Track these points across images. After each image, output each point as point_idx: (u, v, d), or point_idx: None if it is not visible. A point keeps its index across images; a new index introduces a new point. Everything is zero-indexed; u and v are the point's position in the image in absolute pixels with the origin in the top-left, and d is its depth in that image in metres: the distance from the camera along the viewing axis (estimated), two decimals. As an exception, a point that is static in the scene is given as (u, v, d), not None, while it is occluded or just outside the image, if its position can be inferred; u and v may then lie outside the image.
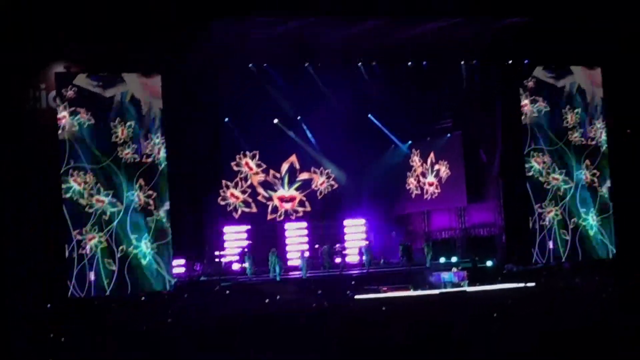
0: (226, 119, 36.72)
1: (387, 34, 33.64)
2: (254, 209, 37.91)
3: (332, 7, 31.16)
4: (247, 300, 29.21)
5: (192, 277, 34.81)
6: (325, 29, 32.93)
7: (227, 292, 31.93)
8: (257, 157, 38.16)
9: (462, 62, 36.29)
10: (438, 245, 38.51)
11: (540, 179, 35.59)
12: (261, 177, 38.19)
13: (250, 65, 34.86)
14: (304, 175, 38.83)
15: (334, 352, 14.69)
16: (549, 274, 33.36)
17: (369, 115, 38.67)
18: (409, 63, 35.83)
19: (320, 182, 38.99)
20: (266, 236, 38.07)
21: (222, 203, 37.60)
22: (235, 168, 37.88)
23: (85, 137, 31.43)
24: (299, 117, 38.10)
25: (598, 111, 36.49)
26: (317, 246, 38.12)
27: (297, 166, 38.68)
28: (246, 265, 35.73)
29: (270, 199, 38.19)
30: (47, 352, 17.28)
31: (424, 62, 35.96)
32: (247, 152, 38.07)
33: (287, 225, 38.74)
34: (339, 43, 33.93)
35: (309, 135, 38.58)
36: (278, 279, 34.48)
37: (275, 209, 38.26)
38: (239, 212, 37.68)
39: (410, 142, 40.29)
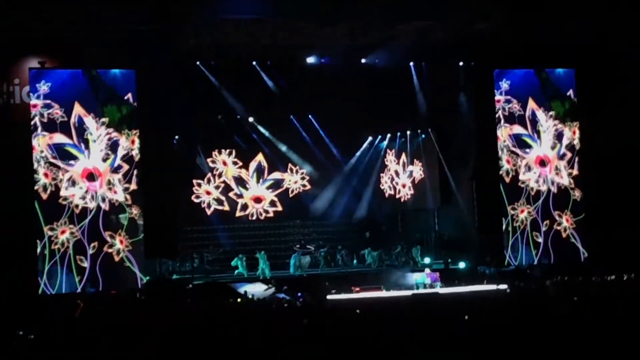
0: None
1: (362, 34, 33.74)
2: (227, 207, 37.79)
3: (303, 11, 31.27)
4: (217, 298, 29.10)
5: (164, 275, 34.78)
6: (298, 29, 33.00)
7: (197, 290, 32.01)
8: (234, 154, 38.05)
9: (441, 63, 36.39)
10: (412, 247, 38.54)
11: (514, 180, 35.70)
12: (235, 172, 38.05)
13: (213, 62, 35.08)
14: (276, 175, 38.70)
15: (305, 351, 14.64)
16: (522, 276, 33.41)
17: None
18: (386, 60, 35.92)
19: (294, 180, 38.87)
20: (239, 236, 38.16)
21: (196, 200, 37.51)
22: (211, 164, 37.78)
23: (58, 133, 31.34)
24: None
25: (572, 113, 36.63)
26: (297, 246, 38.07)
27: (265, 164, 38.49)
28: (238, 265, 35.68)
29: (241, 196, 38.07)
30: (16, 349, 17.13)
31: (400, 63, 36.08)
32: (224, 150, 37.96)
33: (260, 224, 38.67)
34: (314, 43, 34.04)
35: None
36: (268, 277, 34.61)
37: (245, 207, 38.10)
38: (212, 209, 37.56)
39: (385, 142, 40.27)
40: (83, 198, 31.54)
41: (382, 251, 37.86)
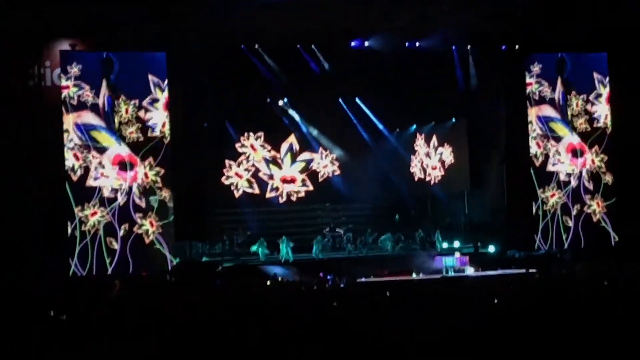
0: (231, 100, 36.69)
1: (388, 16, 33.61)
2: (257, 191, 37.82)
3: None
4: (248, 280, 29.17)
5: (194, 257, 34.92)
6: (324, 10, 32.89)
7: (226, 272, 32.17)
8: (262, 138, 38.09)
9: (469, 47, 36.32)
10: (441, 230, 38.46)
11: (544, 164, 35.56)
12: (265, 154, 38.05)
13: (256, 46, 34.96)
14: (305, 155, 38.70)
15: (334, 334, 14.64)
16: (552, 261, 33.33)
17: (357, 99, 38.57)
18: (417, 44, 35.78)
19: (323, 164, 38.85)
20: (268, 219, 38.19)
21: (226, 183, 37.55)
22: (239, 149, 37.82)
23: (88, 116, 31.45)
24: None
25: (605, 96, 36.42)
26: (327, 230, 38.16)
27: (297, 147, 38.53)
28: (258, 249, 35.67)
29: (271, 177, 38.09)
30: (48, 329, 17.25)
31: (431, 47, 35.94)
32: (252, 133, 38.00)
33: (290, 207, 38.67)
34: (342, 24, 33.93)
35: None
36: (291, 260, 34.65)
37: (275, 188, 38.17)
38: (240, 191, 37.57)
39: (415, 125, 40.21)
40: (115, 189, 31.60)
41: (401, 235, 37.81)
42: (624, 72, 35.86)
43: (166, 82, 32.26)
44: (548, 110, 35.72)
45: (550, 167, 35.55)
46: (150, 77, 32.12)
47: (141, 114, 32.03)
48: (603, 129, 36.35)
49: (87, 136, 31.36)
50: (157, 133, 32.02)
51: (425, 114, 39.14)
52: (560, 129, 35.79)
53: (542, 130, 35.51)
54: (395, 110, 38.53)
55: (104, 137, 31.62)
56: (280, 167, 38.18)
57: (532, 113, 35.51)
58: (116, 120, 31.69)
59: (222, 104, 35.76)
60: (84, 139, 31.31)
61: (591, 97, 36.34)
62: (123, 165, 31.68)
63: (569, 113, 35.92)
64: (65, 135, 31.20)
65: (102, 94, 31.59)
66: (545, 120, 35.62)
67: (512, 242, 35.82)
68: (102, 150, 31.53)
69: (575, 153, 35.87)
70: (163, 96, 32.14)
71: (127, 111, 31.78)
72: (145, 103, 32.06)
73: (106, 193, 31.43)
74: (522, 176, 35.59)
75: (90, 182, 31.31)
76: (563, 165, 35.69)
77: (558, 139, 35.68)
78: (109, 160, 31.55)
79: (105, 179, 31.46)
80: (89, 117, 31.47)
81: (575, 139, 35.95)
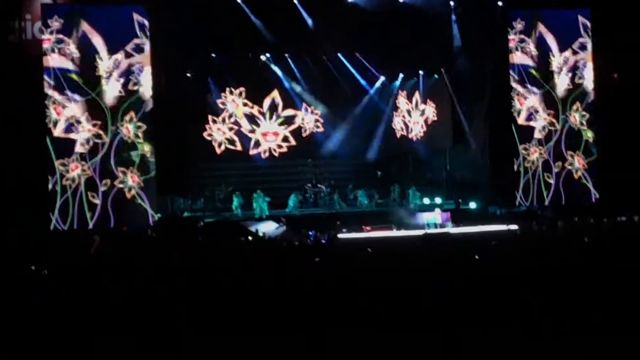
0: (213, 55, 36.42)
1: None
2: (239, 147, 37.68)
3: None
4: (227, 236, 29.17)
5: (175, 212, 34.92)
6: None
7: (208, 228, 32.17)
8: (244, 94, 37.91)
9: (452, 2, 36.22)
10: (422, 186, 38.53)
11: (526, 121, 35.54)
12: (247, 110, 37.86)
13: (239, 0, 34.78)
14: (288, 111, 38.52)
15: (316, 290, 14.65)
16: (533, 217, 33.43)
17: (339, 55, 38.35)
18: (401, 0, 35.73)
19: (307, 120, 38.71)
20: (250, 174, 38.15)
21: (208, 138, 37.41)
22: (221, 106, 37.63)
23: (70, 69, 31.17)
24: (286, 55, 37.86)
25: (586, 54, 36.36)
26: (309, 185, 38.21)
27: (279, 101, 38.33)
28: (234, 203, 35.75)
29: (253, 131, 37.94)
30: (29, 283, 17.22)
31: (413, 1, 35.80)
32: (234, 89, 37.82)
33: (272, 163, 38.57)
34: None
35: (296, 72, 38.29)
36: (266, 215, 34.68)
37: (257, 143, 38.00)
38: (223, 147, 37.42)
39: (397, 82, 40.10)
40: (95, 142, 31.38)
41: (375, 191, 37.93)
42: (607, 28, 35.76)
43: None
44: (525, 59, 35.54)
45: (529, 122, 35.48)
46: (135, 16, 31.73)
47: (123, 60, 31.67)
48: (584, 87, 36.29)
49: (70, 90, 31.02)
50: (138, 86, 31.75)
51: (408, 70, 39.08)
52: (538, 78, 35.61)
53: (519, 82, 35.34)
54: (377, 66, 38.44)
55: (87, 91, 31.30)
56: (262, 122, 38.05)
57: (515, 69, 35.40)
58: (97, 73, 31.35)
59: (204, 59, 35.59)
60: (59, 87, 30.91)
61: (575, 46, 36.17)
62: (102, 116, 31.39)
63: (550, 69, 35.81)
64: (48, 90, 30.89)
65: (78, 33, 31.20)
66: (522, 68, 35.47)
67: (493, 199, 35.93)
68: (76, 98, 31.14)
69: (555, 106, 35.81)
70: (147, 42, 31.84)
71: (108, 66, 31.44)
72: (128, 48, 31.77)
73: (86, 146, 31.17)
74: (504, 133, 35.57)
75: (70, 135, 31.04)
76: (540, 121, 35.64)
77: (535, 92, 35.56)
78: (86, 111, 31.25)
79: (84, 133, 31.21)
80: (62, 61, 31.09)
81: (554, 91, 35.87)
